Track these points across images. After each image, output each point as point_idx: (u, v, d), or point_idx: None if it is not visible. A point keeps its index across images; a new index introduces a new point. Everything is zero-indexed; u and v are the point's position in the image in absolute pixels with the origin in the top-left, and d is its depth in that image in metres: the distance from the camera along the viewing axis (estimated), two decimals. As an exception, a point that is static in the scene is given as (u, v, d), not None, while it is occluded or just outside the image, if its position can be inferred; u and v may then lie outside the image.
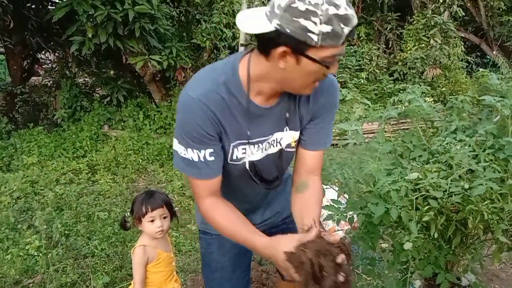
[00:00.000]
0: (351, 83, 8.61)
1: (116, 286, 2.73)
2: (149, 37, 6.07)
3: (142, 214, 1.87)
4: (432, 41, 9.01)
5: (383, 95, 8.56)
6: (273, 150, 1.35)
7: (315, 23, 1.02)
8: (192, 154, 1.24)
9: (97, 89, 7.64)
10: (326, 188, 1.65)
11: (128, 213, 1.96)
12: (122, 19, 5.42)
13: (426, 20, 9.18)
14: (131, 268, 2.38)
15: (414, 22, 9.53)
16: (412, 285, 2.02)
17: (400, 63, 9.48)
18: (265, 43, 1.12)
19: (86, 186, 4.61)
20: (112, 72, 7.36)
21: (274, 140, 1.33)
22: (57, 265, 2.93)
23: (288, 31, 1.04)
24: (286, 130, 1.32)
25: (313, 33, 1.03)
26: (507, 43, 10.68)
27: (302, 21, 1.03)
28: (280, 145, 1.35)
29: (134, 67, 6.33)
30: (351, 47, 9.53)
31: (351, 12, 1.05)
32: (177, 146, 1.27)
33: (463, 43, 9.82)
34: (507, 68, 5.43)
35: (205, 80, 1.22)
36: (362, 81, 8.85)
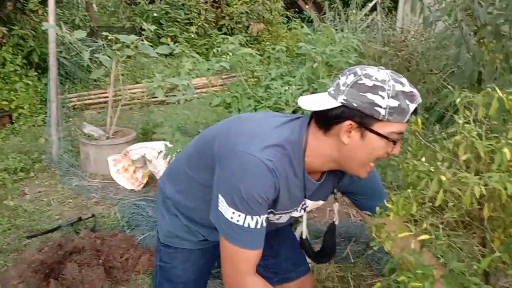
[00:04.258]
0: (181, 37, 8.49)
1: None
2: None
3: None
4: (255, -4, 9.36)
5: (218, 50, 8.67)
6: (296, 214, 1.32)
7: (383, 97, 1.05)
8: (249, 221, 1.13)
9: None
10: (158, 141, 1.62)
11: None
12: None
13: (249, -25, 9.44)
14: None
15: (238, -24, 9.71)
16: None
17: (227, 18, 9.65)
18: (328, 119, 1.11)
19: None
20: None
21: (301, 205, 1.30)
22: None
23: (355, 105, 1.06)
24: (317, 200, 1.33)
25: (380, 107, 1.05)
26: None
27: (370, 95, 1.05)
28: (304, 211, 1.33)
29: None
30: (179, 0, 9.31)
31: (415, 91, 1.09)
32: (226, 209, 1.13)
33: (282, -1, 10.42)
34: (317, 21, 5.98)
35: (272, 143, 1.13)
36: (192, 35, 8.80)
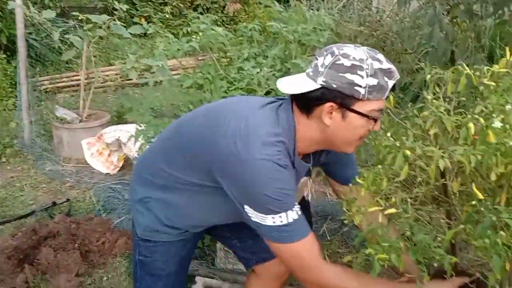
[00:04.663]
0: (155, 17, 8.32)
1: None
2: None
3: None
4: (230, -25, 9.20)
5: (192, 32, 8.54)
6: None
7: (362, 77, 1.05)
8: (291, 214, 1.11)
9: None
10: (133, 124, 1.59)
11: None
12: None
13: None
14: None
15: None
16: None
17: (203, -3, 9.48)
18: (309, 102, 1.12)
19: None
20: None
21: None
22: None
23: (335, 86, 1.06)
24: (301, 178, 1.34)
25: (360, 86, 1.06)
26: (296, -21, 11.61)
27: (349, 76, 1.05)
28: None
29: None
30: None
31: (393, 67, 1.10)
32: (263, 217, 1.11)
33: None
34: (294, 1, 5.94)
35: (270, 140, 1.11)
36: (167, 16, 8.63)
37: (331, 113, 1.11)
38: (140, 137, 1.71)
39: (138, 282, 1.49)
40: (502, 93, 1.06)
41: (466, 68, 1.15)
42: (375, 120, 1.12)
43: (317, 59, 1.12)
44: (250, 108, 1.19)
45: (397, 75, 1.11)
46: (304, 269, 1.16)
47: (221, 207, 1.30)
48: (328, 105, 1.10)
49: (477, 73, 1.17)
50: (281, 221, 1.10)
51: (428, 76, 1.20)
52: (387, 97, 1.12)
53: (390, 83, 1.10)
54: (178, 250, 1.43)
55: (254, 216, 1.13)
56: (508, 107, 1.00)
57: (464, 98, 1.20)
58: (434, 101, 1.07)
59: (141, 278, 1.48)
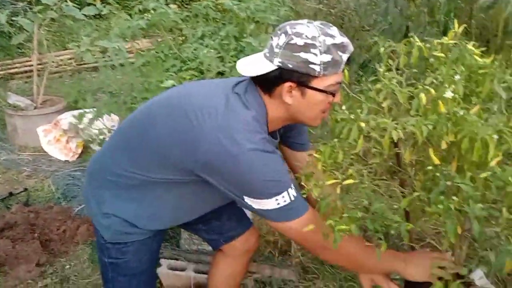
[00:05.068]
0: (111, -2, 8.04)
1: None
2: None
3: None
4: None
5: (145, 10, 8.31)
6: None
7: (316, 54, 1.07)
8: (291, 192, 1.13)
9: None
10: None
11: None
12: None
13: None
14: None
15: None
16: None
17: (160, -23, 9.24)
18: (268, 83, 1.14)
19: None
20: None
21: None
22: None
23: (291, 66, 1.08)
24: None
25: (314, 64, 1.08)
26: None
27: (303, 55, 1.07)
28: None
29: None
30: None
31: (346, 40, 1.12)
32: (266, 202, 1.12)
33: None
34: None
35: (251, 128, 1.12)
36: (123, -3, 8.35)
37: (291, 92, 1.13)
38: (83, 119, 1.66)
39: (111, 283, 1.43)
40: (451, 64, 1.08)
41: (417, 40, 1.17)
42: (333, 94, 1.15)
43: (272, 39, 1.13)
44: (218, 100, 1.16)
45: (350, 48, 1.13)
46: (319, 240, 1.12)
47: (206, 196, 1.29)
48: (287, 84, 1.12)
49: (428, 45, 1.19)
50: (285, 201, 1.13)
51: (382, 49, 1.22)
52: (343, 69, 1.14)
53: (345, 57, 1.11)
54: (149, 246, 1.39)
55: (257, 204, 1.14)
56: (457, 77, 1.02)
57: (416, 70, 1.23)
58: (386, 73, 1.09)
59: (113, 279, 1.41)
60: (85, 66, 5.47)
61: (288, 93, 1.13)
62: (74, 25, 5.98)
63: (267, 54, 1.14)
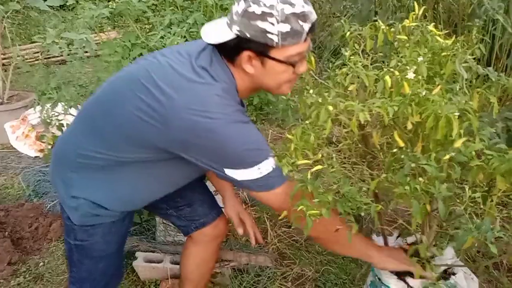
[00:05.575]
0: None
1: None
2: None
3: None
4: None
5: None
6: None
7: (273, 24, 1.03)
8: (272, 160, 1.12)
9: None
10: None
11: None
12: None
13: None
14: None
15: None
16: None
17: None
18: (229, 52, 1.11)
19: None
20: None
21: None
22: None
23: (248, 35, 1.06)
24: None
25: (272, 33, 1.04)
26: None
27: (260, 24, 1.04)
28: None
29: None
30: None
31: (308, 8, 1.07)
32: (249, 173, 1.11)
33: None
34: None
35: (225, 101, 1.10)
36: (90, -13, 8.14)
37: (251, 61, 1.11)
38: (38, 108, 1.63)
39: (76, 267, 1.40)
40: (414, 47, 1.10)
41: (382, 24, 1.18)
42: (293, 66, 1.11)
43: (233, 5, 1.10)
44: (184, 72, 1.12)
45: (313, 17, 1.08)
46: (286, 202, 1.13)
47: (179, 173, 1.28)
48: (246, 54, 1.09)
49: (393, 29, 1.21)
50: (267, 169, 1.11)
51: (348, 33, 1.22)
52: (306, 39, 1.10)
53: (306, 26, 1.07)
54: (118, 228, 1.37)
55: (239, 175, 1.12)
56: (420, 59, 1.04)
57: (381, 53, 1.24)
58: (352, 57, 1.10)
59: (79, 262, 1.38)
60: (53, 59, 5.33)
61: (248, 62, 1.11)
62: (39, 17, 5.83)
63: (228, 22, 1.11)
